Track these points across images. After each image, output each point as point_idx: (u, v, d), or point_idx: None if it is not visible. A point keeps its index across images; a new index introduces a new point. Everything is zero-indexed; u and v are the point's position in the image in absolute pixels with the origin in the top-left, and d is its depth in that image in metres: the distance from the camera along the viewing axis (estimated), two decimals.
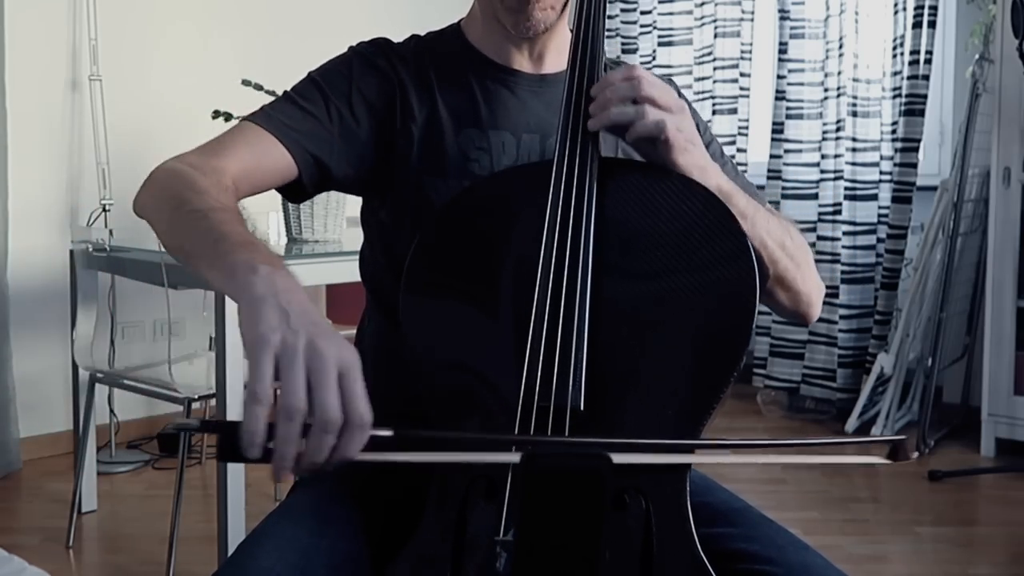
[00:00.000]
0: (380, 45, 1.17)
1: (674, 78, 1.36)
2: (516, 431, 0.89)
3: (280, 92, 1.16)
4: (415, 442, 0.86)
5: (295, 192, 1.13)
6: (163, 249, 2.19)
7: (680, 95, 1.14)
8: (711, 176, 1.00)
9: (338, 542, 0.96)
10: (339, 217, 2.55)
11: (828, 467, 3.27)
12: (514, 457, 0.84)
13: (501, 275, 0.98)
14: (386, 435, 0.79)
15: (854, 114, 3.82)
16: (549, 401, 0.88)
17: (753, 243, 1.00)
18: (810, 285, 1.10)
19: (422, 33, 1.22)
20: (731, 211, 0.97)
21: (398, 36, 1.21)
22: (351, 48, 1.17)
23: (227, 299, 2.13)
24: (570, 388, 0.89)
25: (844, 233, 3.86)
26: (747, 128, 4.25)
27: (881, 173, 3.81)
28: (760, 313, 0.94)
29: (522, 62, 1.16)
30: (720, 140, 3.94)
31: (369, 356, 1.18)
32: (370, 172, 1.14)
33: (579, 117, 1.01)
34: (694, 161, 0.99)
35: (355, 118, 1.11)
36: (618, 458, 0.80)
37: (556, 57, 1.17)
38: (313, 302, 0.79)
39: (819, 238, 3.90)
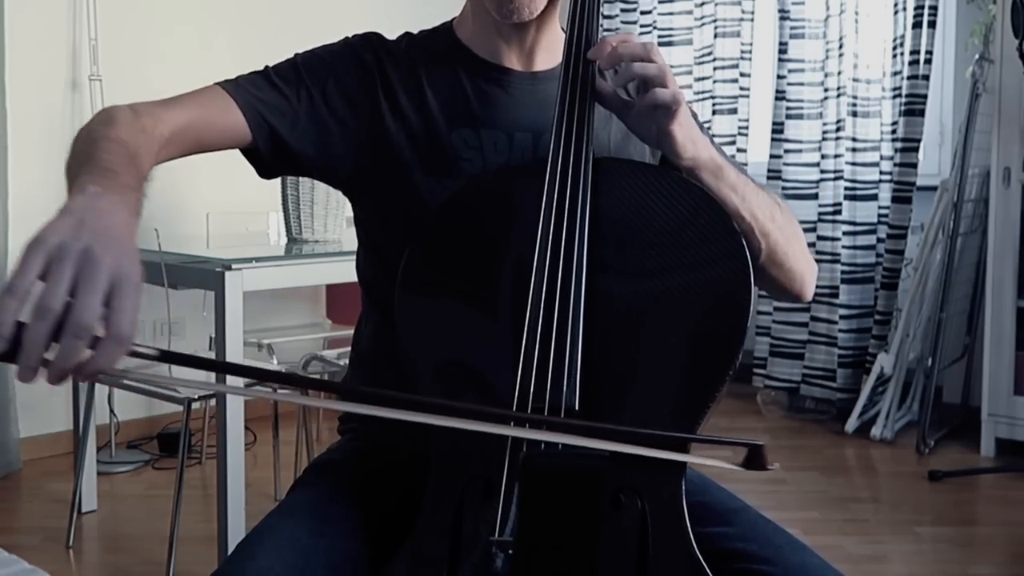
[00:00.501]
0: (370, 40, 1.17)
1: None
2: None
3: None
4: (181, 360, 0.84)
5: (260, 164, 1.12)
6: (161, 248, 2.17)
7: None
8: (702, 148, 1.00)
9: (337, 541, 0.96)
10: (339, 217, 2.55)
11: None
12: (306, 400, 0.83)
13: (496, 275, 0.98)
14: (150, 352, 0.77)
15: (854, 114, 3.82)
16: (544, 401, 0.88)
17: (743, 216, 1.00)
18: (802, 263, 1.09)
19: (415, 32, 1.22)
20: (725, 210, 0.97)
21: (397, 35, 1.21)
22: (344, 39, 1.17)
23: (227, 299, 2.14)
24: (564, 388, 0.89)
25: (844, 233, 3.86)
26: (747, 128, 4.25)
27: (881, 173, 3.81)
28: (760, 313, 0.94)
29: (512, 60, 1.15)
30: (720, 140, 3.93)
31: (367, 357, 1.19)
32: (347, 167, 1.13)
33: (573, 118, 1.00)
34: (688, 133, 0.98)
35: (327, 105, 1.11)
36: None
37: (546, 56, 1.16)
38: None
39: (819, 238, 3.90)
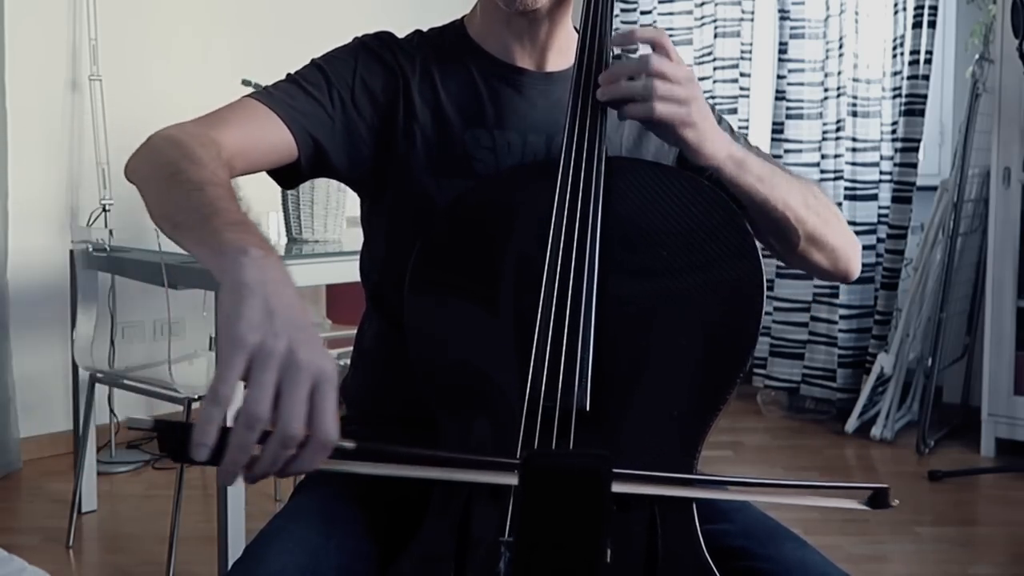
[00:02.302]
0: (385, 39, 1.16)
1: None
2: (521, 432, 0.89)
3: None
4: (378, 455, 0.84)
5: (290, 176, 1.10)
6: (161, 248, 2.17)
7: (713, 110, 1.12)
8: (720, 147, 0.99)
9: (346, 541, 0.95)
10: (339, 217, 2.55)
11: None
12: (469, 476, 0.84)
13: (507, 274, 0.97)
14: (349, 447, 0.76)
15: (854, 114, 3.82)
16: (555, 401, 0.88)
17: (776, 206, 0.99)
18: (843, 239, 1.09)
19: (424, 31, 1.21)
20: (738, 212, 0.96)
21: (399, 35, 1.20)
22: (356, 39, 1.16)
23: None
24: (576, 389, 0.88)
25: None
26: (747, 128, 4.24)
27: (881, 173, 3.81)
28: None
29: (525, 58, 1.15)
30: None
31: (370, 357, 1.19)
32: (368, 168, 1.12)
33: (585, 120, 0.99)
34: (702, 133, 0.97)
35: (356, 107, 1.10)
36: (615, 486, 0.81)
37: (559, 56, 1.15)
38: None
39: None
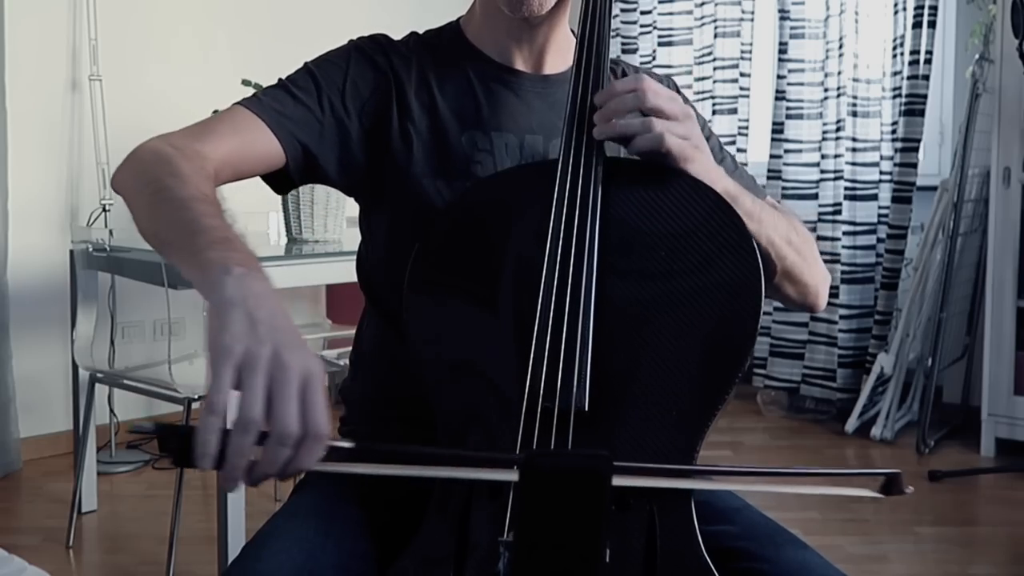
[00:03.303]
0: (379, 41, 1.16)
1: (674, 78, 1.35)
2: (520, 432, 0.89)
3: None
4: (376, 455, 0.85)
5: (281, 182, 1.11)
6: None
7: (679, 92, 1.14)
8: (717, 180, 0.99)
9: (344, 541, 0.95)
10: (339, 217, 2.55)
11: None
12: (470, 474, 0.85)
13: (505, 275, 0.97)
14: (345, 447, 0.78)
15: (854, 114, 3.82)
16: (553, 402, 0.88)
17: (760, 242, 1.00)
18: (817, 277, 1.12)
19: (420, 32, 1.21)
20: (737, 212, 0.96)
21: (397, 36, 1.20)
22: (350, 41, 1.16)
23: None
24: (574, 389, 0.88)
25: (844, 233, 3.86)
26: (747, 128, 4.25)
27: (881, 173, 3.81)
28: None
29: (522, 61, 1.15)
30: (720, 140, 3.94)
31: (369, 358, 1.19)
32: (362, 172, 1.12)
33: (583, 124, 0.99)
34: (698, 170, 0.98)
35: (346, 111, 1.10)
36: (618, 480, 0.81)
37: (556, 58, 1.15)
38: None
39: (819, 238, 3.89)
